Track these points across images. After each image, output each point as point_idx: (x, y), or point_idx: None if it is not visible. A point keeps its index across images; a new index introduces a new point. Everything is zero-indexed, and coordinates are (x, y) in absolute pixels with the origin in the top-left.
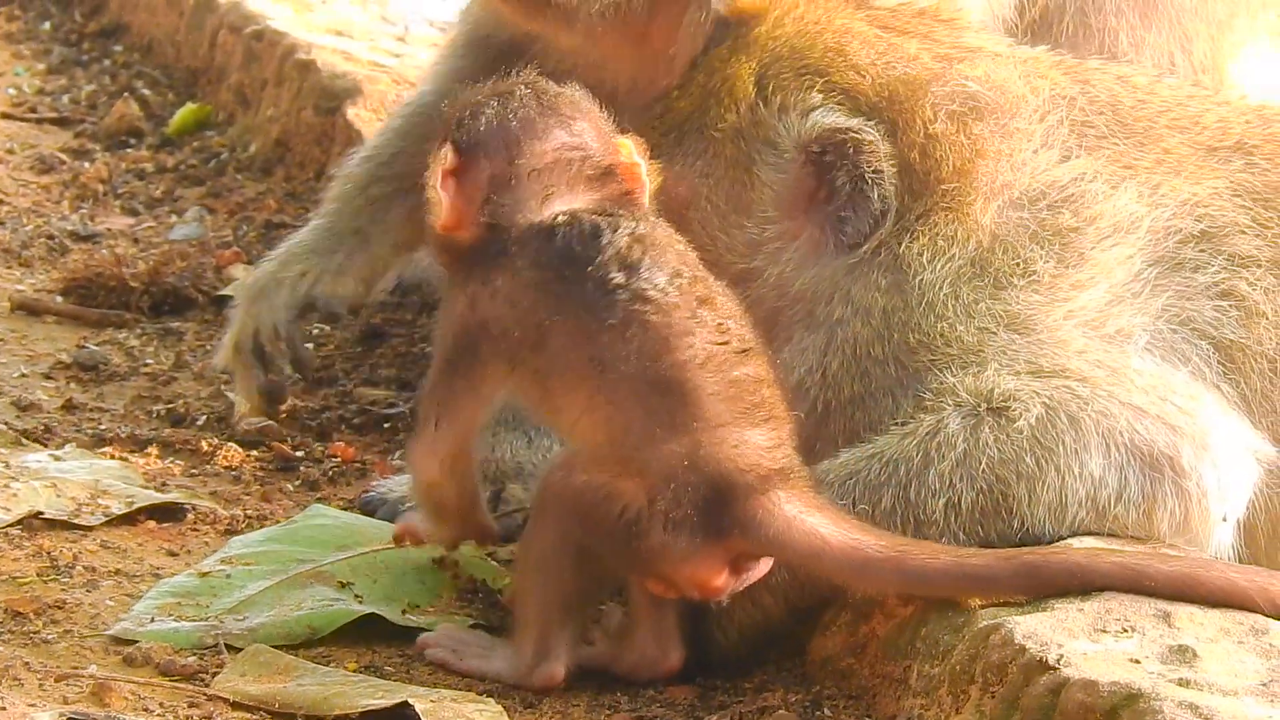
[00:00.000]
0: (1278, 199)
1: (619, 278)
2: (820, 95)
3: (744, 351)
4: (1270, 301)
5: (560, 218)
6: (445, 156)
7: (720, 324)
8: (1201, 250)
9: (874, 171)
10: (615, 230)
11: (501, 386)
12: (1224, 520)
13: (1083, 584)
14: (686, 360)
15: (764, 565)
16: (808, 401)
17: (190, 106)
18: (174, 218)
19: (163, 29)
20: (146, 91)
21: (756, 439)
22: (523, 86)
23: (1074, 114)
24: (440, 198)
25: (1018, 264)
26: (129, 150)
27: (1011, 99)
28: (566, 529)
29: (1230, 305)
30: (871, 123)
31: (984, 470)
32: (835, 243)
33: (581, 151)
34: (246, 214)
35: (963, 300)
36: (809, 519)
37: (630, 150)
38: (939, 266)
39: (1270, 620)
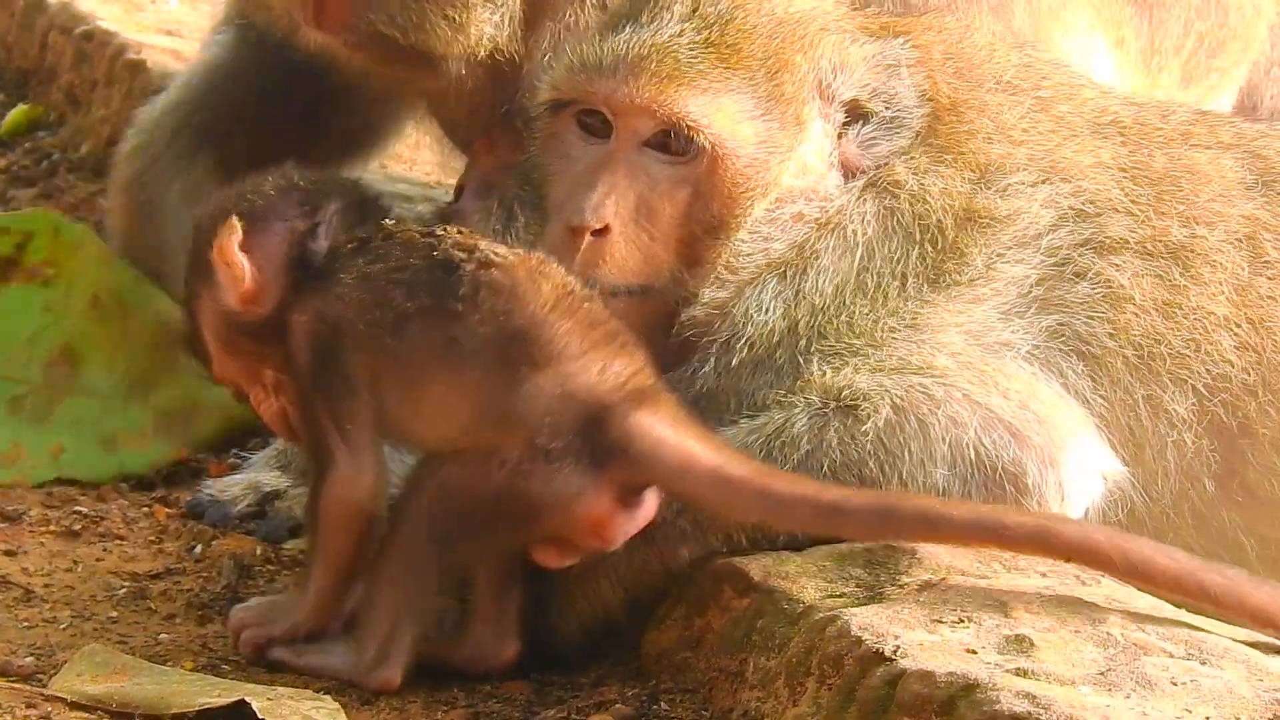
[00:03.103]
0: (1148, 178)
1: (461, 255)
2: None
3: (588, 299)
4: (1138, 286)
5: (389, 223)
6: (232, 228)
7: (561, 280)
8: (1085, 255)
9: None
10: (446, 229)
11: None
12: None
13: (934, 531)
14: (537, 306)
15: (651, 501)
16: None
17: (22, 107)
18: None
19: None
20: None
21: (618, 366)
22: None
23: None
24: (239, 262)
25: (931, 263)
26: None
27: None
28: (435, 528)
29: (1106, 308)
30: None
31: (826, 473)
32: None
33: None
34: (79, 215)
35: (880, 287)
36: (679, 437)
37: None
38: (869, 247)
39: (1107, 610)
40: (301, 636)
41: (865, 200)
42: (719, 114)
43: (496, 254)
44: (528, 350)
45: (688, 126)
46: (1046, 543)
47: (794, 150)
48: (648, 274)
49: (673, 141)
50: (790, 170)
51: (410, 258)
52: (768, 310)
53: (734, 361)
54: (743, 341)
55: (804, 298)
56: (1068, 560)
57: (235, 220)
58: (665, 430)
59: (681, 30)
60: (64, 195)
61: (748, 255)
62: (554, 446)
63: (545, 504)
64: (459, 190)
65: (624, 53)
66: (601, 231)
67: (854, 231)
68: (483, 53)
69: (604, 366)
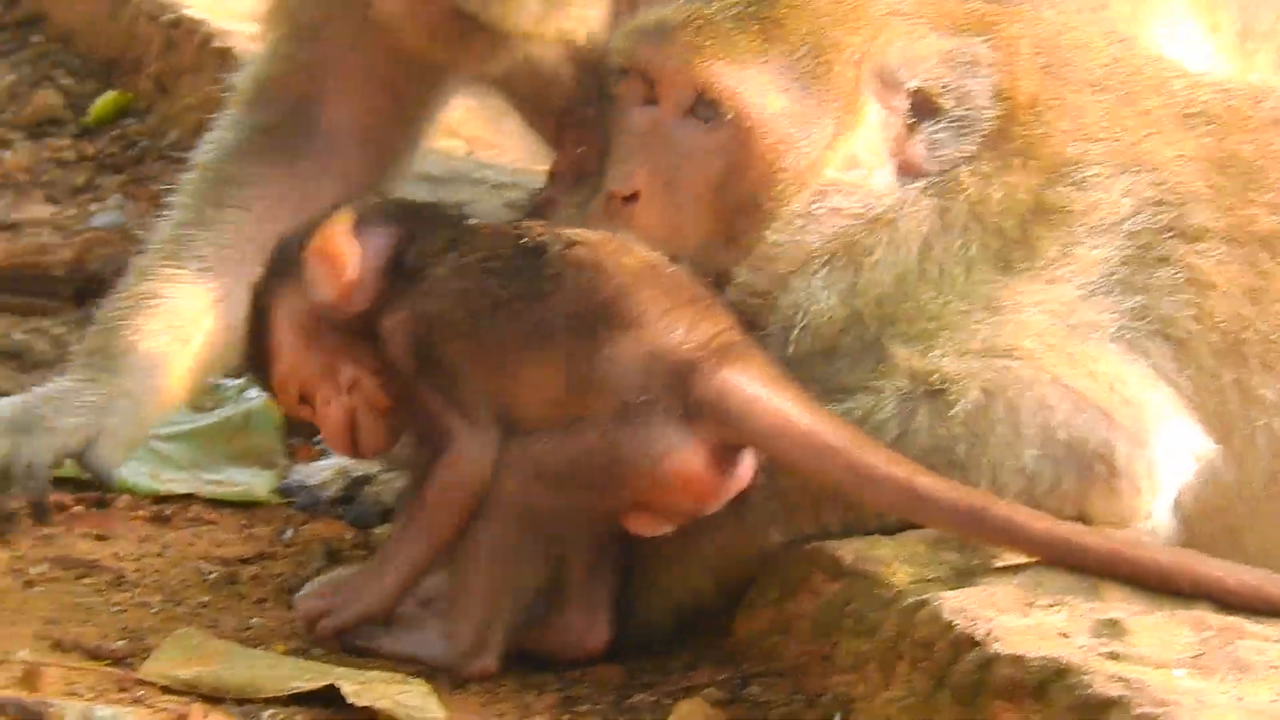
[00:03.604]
0: (1235, 168)
1: (548, 238)
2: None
3: (671, 269)
4: (1222, 272)
5: (472, 221)
6: (342, 218)
7: (644, 254)
8: (1167, 241)
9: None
10: (531, 222)
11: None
12: (1147, 517)
13: (1015, 542)
14: (622, 275)
15: (748, 463)
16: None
17: (110, 95)
18: (95, 205)
19: (81, 18)
20: (66, 80)
21: (703, 327)
22: None
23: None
24: (344, 252)
25: (996, 252)
26: (49, 139)
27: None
28: (529, 507)
29: (1190, 292)
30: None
31: (916, 457)
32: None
33: None
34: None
35: (944, 275)
36: (773, 398)
37: None
38: (937, 241)
39: None
40: (377, 618)
41: (921, 199)
42: (747, 84)
43: (582, 233)
44: (611, 317)
45: (713, 94)
46: (1121, 566)
47: (840, 137)
48: (674, 244)
49: (704, 110)
50: (835, 161)
51: (499, 247)
52: (823, 300)
53: (798, 352)
54: (799, 332)
55: (862, 290)
56: (1139, 584)
57: (346, 212)
58: (758, 389)
59: (732, 3)
60: (151, 182)
61: (781, 245)
62: (644, 403)
63: (637, 462)
64: (551, 177)
65: (667, 20)
66: (631, 198)
67: (908, 228)
68: (579, 37)
69: (688, 328)
